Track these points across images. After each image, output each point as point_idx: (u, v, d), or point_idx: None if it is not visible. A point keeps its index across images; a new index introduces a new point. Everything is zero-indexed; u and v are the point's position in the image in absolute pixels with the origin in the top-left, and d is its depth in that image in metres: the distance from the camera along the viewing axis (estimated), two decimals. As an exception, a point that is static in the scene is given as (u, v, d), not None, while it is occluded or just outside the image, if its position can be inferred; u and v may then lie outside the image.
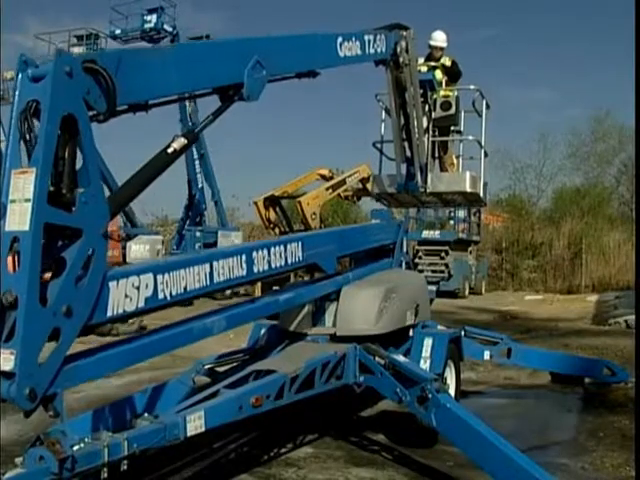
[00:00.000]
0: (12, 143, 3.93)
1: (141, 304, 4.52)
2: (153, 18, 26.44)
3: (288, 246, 6.16)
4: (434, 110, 9.61)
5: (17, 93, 3.97)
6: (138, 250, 22.70)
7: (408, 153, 8.81)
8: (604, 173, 47.89)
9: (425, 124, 9.06)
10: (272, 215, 17.73)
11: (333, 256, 7.02)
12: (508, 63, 69.92)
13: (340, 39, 6.72)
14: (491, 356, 9.59)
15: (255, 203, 17.71)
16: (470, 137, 10.04)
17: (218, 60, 5.19)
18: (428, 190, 9.21)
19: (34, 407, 3.81)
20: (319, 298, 7.38)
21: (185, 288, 4.89)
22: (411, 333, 7.86)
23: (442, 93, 9.84)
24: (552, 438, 7.74)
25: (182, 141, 4.97)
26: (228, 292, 28.22)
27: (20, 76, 3.96)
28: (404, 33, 8.00)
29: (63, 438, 4.17)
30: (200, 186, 27.98)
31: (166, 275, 4.71)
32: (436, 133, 9.82)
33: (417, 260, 27.59)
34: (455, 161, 10.20)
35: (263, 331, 7.94)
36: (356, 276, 7.60)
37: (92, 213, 4.04)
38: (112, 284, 4.28)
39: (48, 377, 3.85)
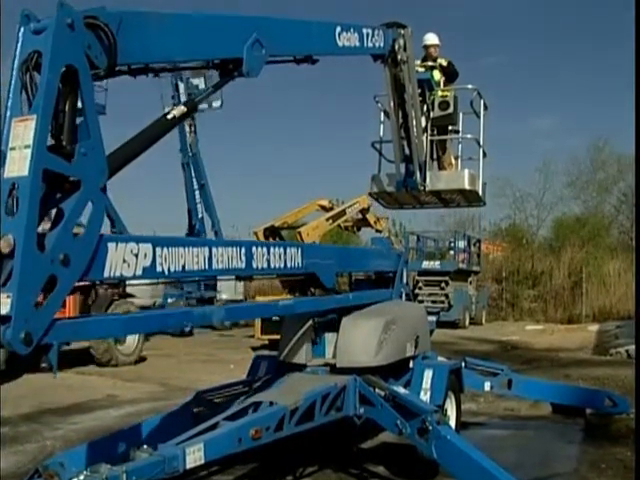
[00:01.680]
0: (13, 93, 3.97)
1: (139, 272, 4.51)
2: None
3: (288, 250, 6.15)
4: (432, 110, 9.65)
5: (19, 45, 4.01)
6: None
7: (407, 152, 8.86)
8: (603, 202, 48.01)
9: (423, 123, 9.14)
10: (272, 245, 17.71)
11: (332, 270, 7.00)
12: (509, 91, 70.18)
13: (339, 28, 6.82)
14: (492, 387, 9.56)
15: (255, 233, 17.68)
16: (469, 135, 10.03)
17: (218, 32, 5.24)
18: (427, 188, 9.21)
19: (29, 353, 3.76)
20: (318, 329, 7.40)
21: (184, 267, 4.87)
22: (411, 364, 7.85)
23: (440, 93, 9.89)
24: (553, 469, 7.68)
25: (182, 109, 5.11)
26: (228, 323, 28.39)
27: (22, 30, 4.01)
28: (402, 31, 8.09)
29: (61, 470, 4.17)
30: (200, 216, 28.08)
31: (165, 249, 4.70)
32: (434, 132, 9.85)
33: (417, 290, 27.52)
34: (454, 162, 10.14)
35: (263, 362, 7.92)
36: (356, 298, 7.59)
37: (91, 165, 4.06)
38: (111, 245, 4.28)
39: (44, 323, 3.83)
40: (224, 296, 27.09)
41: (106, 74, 4.34)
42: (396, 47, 8.01)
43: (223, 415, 5.85)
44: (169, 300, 25.84)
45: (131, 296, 16.90)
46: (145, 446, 4.89)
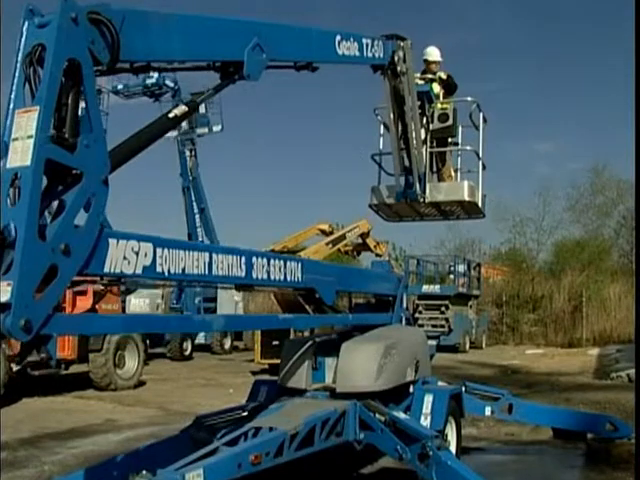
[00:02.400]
0: (16, 85, 4.01)
1: (139, 270, 4.54)
2: (155, 74, 26.75)
3: (287, 263, 6.17)
4: (432, 122, 9.69)
5: (22, 39, 4.06)
6: (138, 304, 22.70)
7: (407, 163, 8.89)
8: (603, 225, 48.01)
9: (423, 135, 9.19)
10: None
11: (332, 287, 7.01)
12: (510, 116, 70.37)
13: (338, 37, 6.88)
14: (492, 412, 9.52)
15: (255, 257, 17.76)
16: (468, 147, 10.04)
17: (219, 34, 5.32)
18: (427, 200, 9.23)
19: (29, 341, 3.78)
20: (318, 353, 7.39)
21: (183, 270, 4.91)
22: (411, 389, 7.83)
23: (439, 105, 9.93)
24: (555, 496, 7.65)
25: (183, 108, 5.16)
26: (227, 346, 28.33)
27: (26, 24, 4.06)
28: (402, 43, 8.18)
29: (59, 497, 4.13)
30: (200, 240, 28.12)
31: (165, 250, 4.74)
32: (434, 144, 9.87)
33: (417, 315, 27.50)
34: (453, 174, 10.13)
35: (262, 387, 7.90)
36: (356, 319, 7.60)
37: (93, 157, 4.11)
38: (112, 241, 4.32)
39: (44, 311, 3.83)
40: (223, 320, 27.04)
41: (108, 70, 4.41)
42: (396, 58, 8.10)
43: (223, 440, 5.83)
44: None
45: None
46: (144, 471, 4.87)
